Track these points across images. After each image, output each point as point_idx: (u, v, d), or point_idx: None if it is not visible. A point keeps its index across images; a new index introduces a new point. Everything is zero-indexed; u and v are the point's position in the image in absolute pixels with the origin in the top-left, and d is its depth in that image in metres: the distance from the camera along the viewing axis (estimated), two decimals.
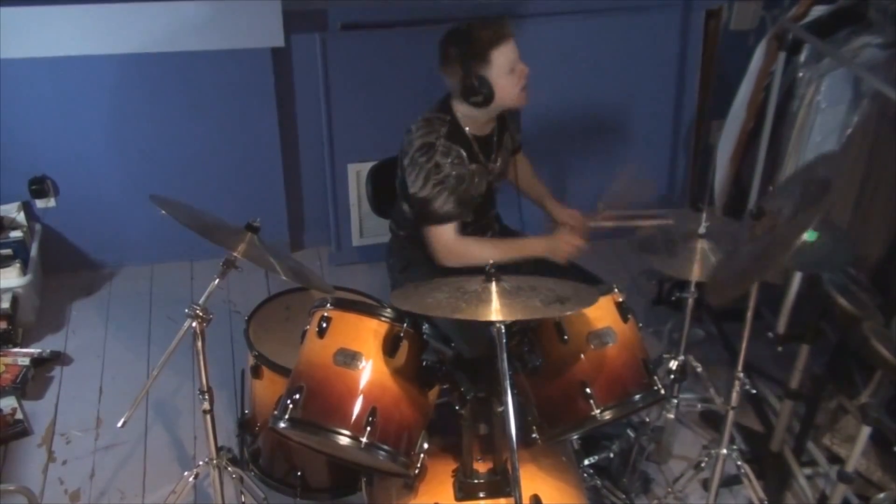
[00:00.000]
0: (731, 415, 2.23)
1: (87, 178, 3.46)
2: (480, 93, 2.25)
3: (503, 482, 1.94)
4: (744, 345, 2.14)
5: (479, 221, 2.55)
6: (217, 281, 2.02)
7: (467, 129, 2.37)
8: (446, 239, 2.35)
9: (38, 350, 3.12)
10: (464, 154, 2.35)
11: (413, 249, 2.50)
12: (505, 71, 2.25)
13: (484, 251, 2.32)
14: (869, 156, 2.80)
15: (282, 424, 1.86)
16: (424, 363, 1.92)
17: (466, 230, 2.51)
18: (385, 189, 2.59)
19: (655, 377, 1.97)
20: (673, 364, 2.66)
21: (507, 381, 1.70)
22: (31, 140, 3.33)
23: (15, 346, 3.13)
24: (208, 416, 2.12)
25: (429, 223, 2.35)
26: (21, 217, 3.42)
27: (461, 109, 2.34)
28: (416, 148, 2.30)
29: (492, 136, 2.44)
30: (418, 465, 1.91)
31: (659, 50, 3.62)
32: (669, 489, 2.53)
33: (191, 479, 2.27)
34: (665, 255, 2.33)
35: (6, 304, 3.16)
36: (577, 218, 2.53)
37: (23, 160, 3.36)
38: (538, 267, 2.40)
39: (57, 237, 3.56)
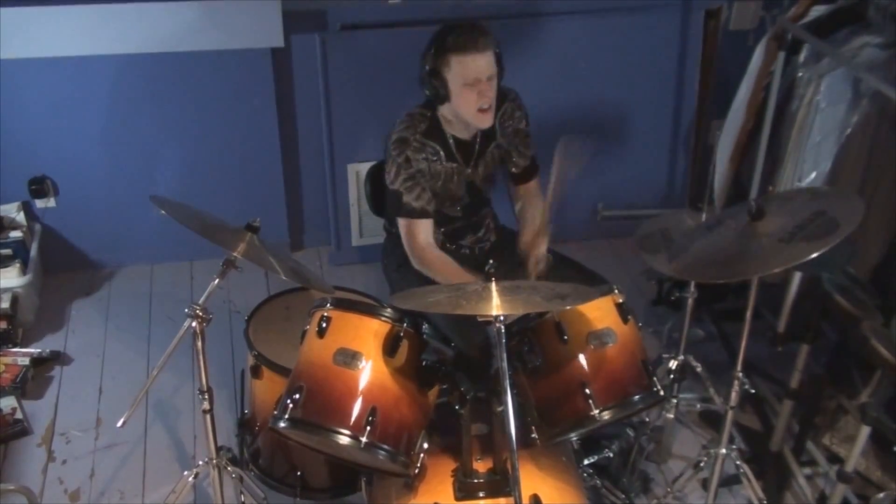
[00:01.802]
0: (730, 414, 2.23)
1: (86, 178, 3.46)
2: (431, 86, 2.27)
3: (503, 482, 1.94)
4: (743, 344, 2.14)
5: (470, 218, 2.56)
6: (217, 281, 2.02)
7: (447, 129, 2.38)
8: (420, 239, 2.38)
9: (38, 350, 3.13)
10: (441, 152, 2.38)
11: None
12: (461, 80, 2.23)
13: (448, 273, 2.32)
14: (868, 156, 2.80)
15: (282, 424, 1.86)
16: (424, 363, 1.92)
17: (457, 227, 2.53)
18: (384, 189, 2.60)
19: (655, 378, 1.97)
20: (672, 364, 2.67)
21: (507, 381, 1.70)
22: (31, 140, 3.33)
23: (15, 345, 3.13)
24: (208, 416, 2.12)
25: (399, 215, 2.40)
26: (21, 217, 3.42)
27: (441, 108, 2.36)
28: (391, 141, 2.35)
29: (473, 142, 2.44)
30: (418, 465, 1.91)
31: (659, 50, 3.62)
32: (669, 489, 2.53)
33: (190, 478, 2.27)
34: (665, 254, 2.32)
35: (6, 304, 3.16)
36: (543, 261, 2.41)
37: (23, 160, 3.36)
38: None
39: (57, 237, 3.57)
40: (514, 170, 2.54)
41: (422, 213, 2.38)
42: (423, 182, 2.36)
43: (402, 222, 2.40)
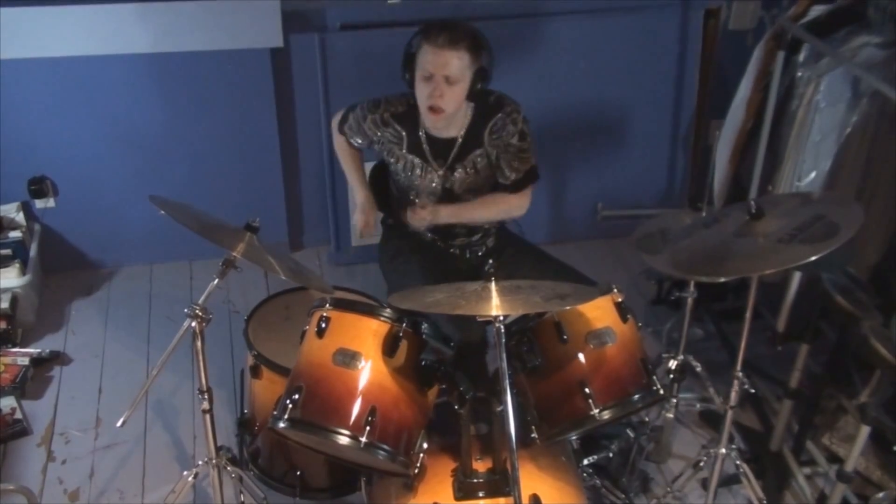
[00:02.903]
0: (730, 414, 2.23)
1: (86, 178, 3.46)
2: (404, 68, 2.32)
3: (502, 482, 1.94)
4: (743, 344, 2.14)
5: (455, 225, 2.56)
6: (216, 281, 2.02)
7: (422, 122, 2.39)
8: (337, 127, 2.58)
9: (38, 350, 3.13)
10: (405, 139, 2.41)
11: (401, 238, 2.56)
12: (420, 69, 2.26)
13: (345, 167, 2.64)
14: (868, 155, 2.80)
15: (281, 424, 1.86)
16: (423, 363, 1.92)
17: (453, 231, 2.54)
18: (386, 186, 2.62)
19: (654, 377, 1.97)
20: (672, 363, 2.67)
21: (507, 381, 1.70)
22: (30, 140, 3.33)
23: (14, 345, 3.13)
24: (208, 416, 2.12)
25: (338, 127, 2.58)
26: (20, 217, 3.42)
27: None
28: (375, 98, 2.45)
29: (451, 143, 2.41)
30: (417, 465, 1.91)
31: (658, 50, 3.62)
32: (668, 488, 2.53)
33: (190, 478, 2.27)
34: (664, 254, 2.32)
35: (6, 304, 3.16)
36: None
37: (22, 160, 3.36)
38: (536, 271, 2.41)
39: (56, 237, 3.56)
40: (501, 180, 2.47)
41: (349, 134, 2.53)
42: (362, 135, 2.49)
43: (334, 126, 2.60)
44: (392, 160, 2.46)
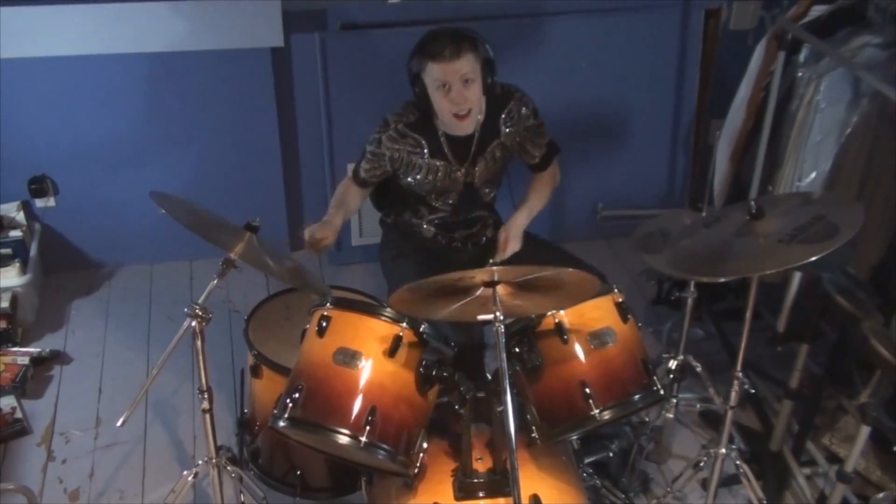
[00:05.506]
0: (730, 414, 2.23)
1: (86, 177, 3.46)
2: (415, 88, 2.33)
3: (502, 482, 1.94)
4: (743, 344, 2.14)
5: (463, 215, 2.58)
6: (216, 280, 2.02)
7: (439, 125, 2.40)
8: (344, 186, 2.55)
9: (38, 349, 3.13)
10: (425, 146, 2.41)
11: (401, 237, 2.58)
12: (434, 83, 2.28)
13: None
14: (868, 155, 2.80)
15: (281, 423, 1.86)
16: (424, 363, 1.92)
17: (450, 221, 2.56)
18: (384, 185, 2.61)
19: (655, 377, 1.97)
20: (672, 364, 2.66)
21: (507, 381, 1.70)
22: (31, 140, 3.34)
23: (14, 345, 3.14)
24: (207, 416, 2.12)
25: (353, 168, 2.54)
26: (21, 216, 3.42)
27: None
28: (382, 118, 2.44)
29: (470, 140, 2.43)
30: (417, 465, 1.91)
31: (659, 50, 3.62)
32: (668, 489, 2.53)
33: (190, 478, 2.27)
34: (664, 254, 2.32)
35: (6, 304, 3.16)
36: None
37: (23, 160, 3.37)
38: (537, 256, 2.42)
39: (56, 237, 3.57)
40: (532, 161, 2.56)
41: (362, 183, 2.50)
42: (382, 164, 2.44)
43: (349, 170, 2.56)
44: (413, 172, 2.46)
